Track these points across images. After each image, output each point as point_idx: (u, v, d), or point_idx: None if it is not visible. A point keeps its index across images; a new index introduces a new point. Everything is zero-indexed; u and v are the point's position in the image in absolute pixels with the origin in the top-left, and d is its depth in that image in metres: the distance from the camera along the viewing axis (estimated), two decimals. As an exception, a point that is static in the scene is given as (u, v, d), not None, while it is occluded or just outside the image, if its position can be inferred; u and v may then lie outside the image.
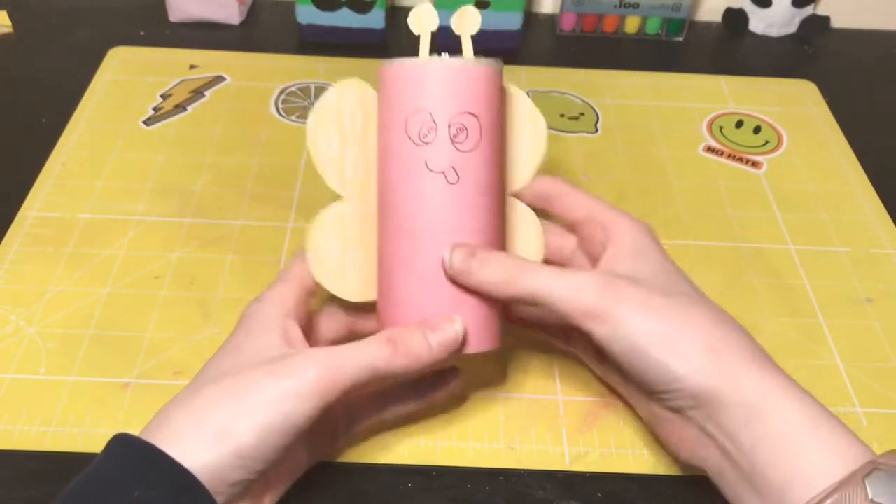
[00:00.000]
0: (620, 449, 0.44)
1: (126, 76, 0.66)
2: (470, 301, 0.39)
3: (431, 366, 0.38)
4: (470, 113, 0.39)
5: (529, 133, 0.43)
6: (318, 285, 0.40)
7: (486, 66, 0.39)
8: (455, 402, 0.45)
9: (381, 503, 0.41)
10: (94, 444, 0.42)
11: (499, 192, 0.41)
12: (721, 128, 0.65)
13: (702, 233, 0.56)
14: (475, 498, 0.41)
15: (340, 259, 0.41)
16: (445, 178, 0.38)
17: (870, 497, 0.31)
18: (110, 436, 0.42)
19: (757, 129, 0.65)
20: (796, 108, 0.68)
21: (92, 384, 0.45)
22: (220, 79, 0.66)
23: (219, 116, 0.63)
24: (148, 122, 0.62)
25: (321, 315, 0.42)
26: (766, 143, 0.64)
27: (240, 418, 0.33)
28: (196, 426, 0.33)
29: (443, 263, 0.38)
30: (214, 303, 0.49)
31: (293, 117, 0.63)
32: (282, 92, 0.66)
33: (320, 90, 0.66)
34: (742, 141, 0.64)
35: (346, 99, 0.41)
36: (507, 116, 0.42)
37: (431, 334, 0.38)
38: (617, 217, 0.41)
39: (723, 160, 0.62)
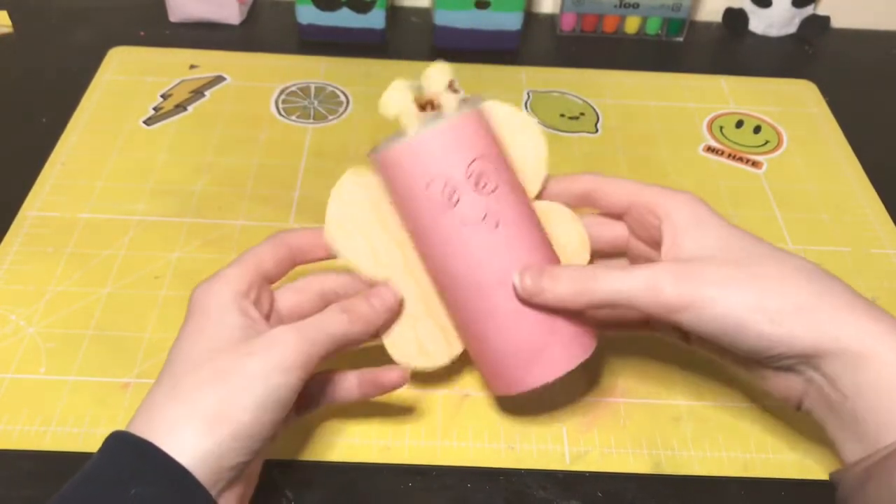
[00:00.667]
0: (620, 449, 0.44)
1: (126, 76, 0.66)
2: (559, 322, 0.39)
3: (377, 328, 0.40)
4: (479, 158, 0.39)
5: (524, 137, 0.43)
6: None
7: (471, 108, 0.40)
8: (458, 401, 0.45)
9: (381, 503, 0.41)
10: (94, 444, 0.42)
11: (531, 213, 0.41)
12: (721, 128, 0.65)
13: (702, 233, 0.56)
14: (475, 498, 0.41)
15: (414, 336, 0.42)
16: (486, 226, 0.39)
17: None
18: (110, 436, 0.42)
19: (757, 129, 0.65)
20: (796, 108, 0.68)
21: (92, 384, 0.45)
22: (220, 79, 0.66)
23: (219, 116, 0.63)
24: (148, 122, 0.62)
25: (288, 291, 0.42)
26: (766, 143, 0.64)
27: (231, 400, 0.34)
28: (188, 416, 0.33)
29: (514, 291, 0.39)
30: (214, 303, 0.49)
31: (293, 117, 0.63)
32: (282, 92, 0.66)
33: (320, 90, 0.66)
34: (742, 141, 0.64)
35: (347, 199, 0.41)
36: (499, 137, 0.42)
37: (373, 299, 0.40)
38: (662, 195, 0.40)
39: (723, 160, 0.62)
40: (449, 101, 0.40)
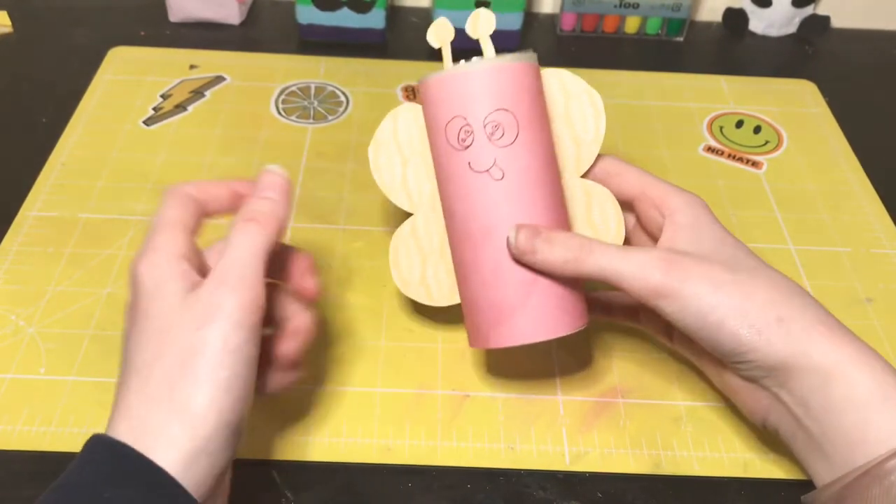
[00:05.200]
0: (620, 449, 0.44)
1: (126, 76, 0.66)
2: (538, 287, 0.40)
3: (287, 214, 0.38)
4: (503, 109, 0.40)
5: (588, 112, 0.44)
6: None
7: (510, 61, 0.40)
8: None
9: (381, 503, 0.41)
10: (94, 444, 0.42)
11: (550, 180, 0.41)
12: (721, 128, 0.65)
13: (702, 233, 0.56)
14: (475, 498, 0.41)
15: (421, 271, 0.43)
16: (491, 176, 0.40)
17: None
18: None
19: (757, 129, 0.65)
20: (796, 108, 0.68)
21: (92, 384, 0.45)
22: (220, 79, 0.66)
23: (219, 116, 0.63)
24: (148, 122, 0.62)
25: (214, 250, 0.40)
26: (766, 143, 0.64)
27: (204, 384, 0.32)
28: (170, 412, 0.32)
29: (507, 244, 0.39)
30: (214, 303, 0.49)
31: (293, 117, 0.63)
32: (282, 92, 0.66)
33: (320, 90, 0.66)
34: (742, 141, 0.64)
35: (401, 123, 0.43)
36: (554, 102, 0.43)
37: (267, 192, 0.38)
38: (670, 193, 0.42)
39: (723, 160, 0.62)
40: (489, 48, 0.41)
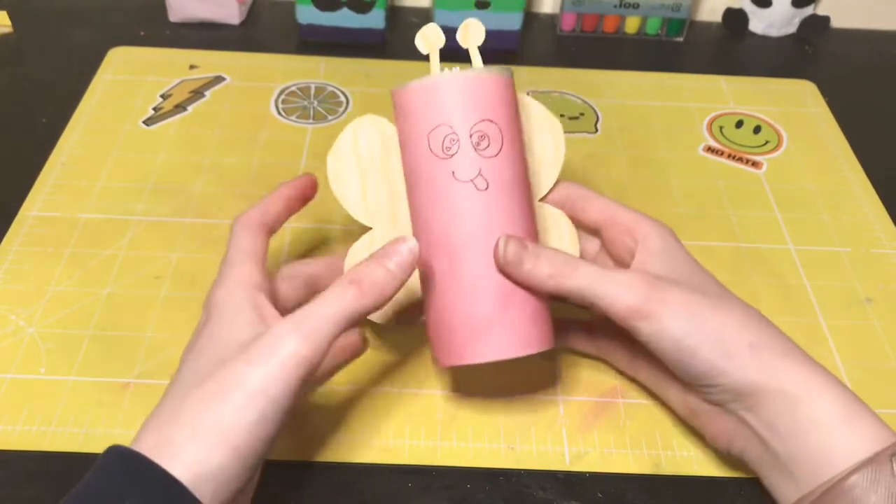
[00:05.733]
0: (620, 449, 0.44)
1: (126, 76, 0.66)
2: (515, 301, 0.39)
3: (396, 291, 0.37)
4: (489, 120, 0.39)
5: (548, 137, 0.44)
6: None
7: (497, 74, 0.40)
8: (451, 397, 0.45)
9: (381, 503, 0.41)
10: (94, 444, 0.42)
11: (527, 195, 0.41)
12: (721, 128, 0.65)
13: (702, 233, 0.56)
14: (475, 498, 0.41)
15: None
16: (475, 186, 0.39)
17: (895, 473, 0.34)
18: (110, 436, 0.42)
19: (757, 129, 0.65)
20: (796, 108, 0.68)
21: (92, 384, 0.45)
22: (220, 79, 0.66)
23: (219, 116, 0.63)
24: (148, 122, 0.62)
25: (279, 279, 0.42)
26: (766, 143, 0.64)
27: (232, 421, 0.33)
28: (191, 437, 0.33)
29: (495, 253, 0.39)
30: (214, 303, 0.49)
31: (293, 117, 0.63)
32: (282, 92, 0.66)
33: (320, 90, 0.66)
34: (742, 141, 0.64)
35: (361, 134, 0.43)
36: (523, 125, 0.43)
37: (387, 261, 0.36)
38: (641, 221, 0.42)
39: (723, 160, 0.62)
40: (477, 59, 0.41)
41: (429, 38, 0.42)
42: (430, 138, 0.39)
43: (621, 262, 0.43)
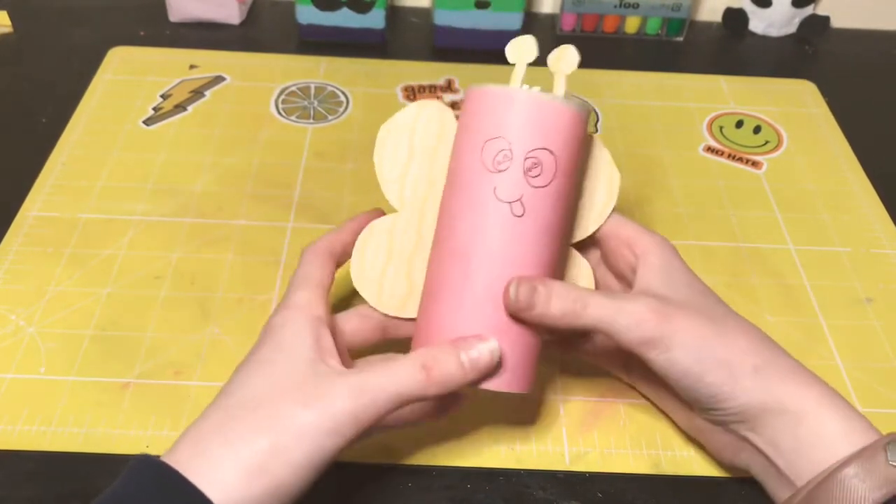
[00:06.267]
0: (620, 449, 0.44)
1: (126, 76, 0.66)
2: (511, 336, 0.38)
3: (463, 387, 0.37)
4: (548, 150, 0.38)
5: (601, 186, 0.43)
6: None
7: (574, 107, 0.39)
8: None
9: (381, 503, 0.41)
10: (94, 444, 0.42)
11: (563, 235, 0.40)
12: (721, 128, 0.65)
13: (702, 233, 0.56)
14: (475, 498, 0.41)
15: (382, 270, 0.41)
16: (511, 209, 0.38)
17: (890, 461, 0.34)
18: (110, 436, 0.42)
19: (757, 129, 0.65)
20: (796, 108, 0.68)
21: (92, 384, 0.45)
22: (220, 79, 0.66)
23: (219, 116, 0.63)
24: (148, 122, 0.62)
25: (353, 315, 0.42)
26: (766, 143, 0.64)
27: (277, 455, 0.33)
28: (230, 461, 0.33)
29: (505, 297, 0.38)
30: (214, 303, 0.49)
31: (293, 117, 0.63)
32: (282, 92, 0.66)
33: (320, 90, 0.66)
34: (742, 141, 0.64)
35: (423, 116, 0.42)
36: (584, 164, 0.42)
37: (464, 354, 0.37)
38: (641, 232, 0.42)
39: (723, 160, 0.62)
40: (561, 85, 0.40)
41: (520, 49, 0.40)
42: (485, 146, 0.38)
43: (620, 275, 0.43)
